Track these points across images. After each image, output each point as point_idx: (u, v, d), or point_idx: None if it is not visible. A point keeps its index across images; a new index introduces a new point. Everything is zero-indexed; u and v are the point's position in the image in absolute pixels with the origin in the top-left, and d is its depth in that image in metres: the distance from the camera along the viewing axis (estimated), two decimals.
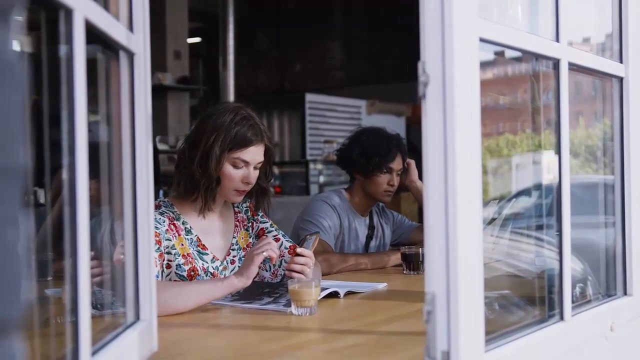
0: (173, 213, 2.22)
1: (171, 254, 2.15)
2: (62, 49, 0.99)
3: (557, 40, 1.50)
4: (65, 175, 0.98)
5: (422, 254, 2.64)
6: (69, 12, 0.97)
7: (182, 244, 2.19)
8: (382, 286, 2.35)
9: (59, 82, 0.99)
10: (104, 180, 1.32)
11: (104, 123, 1.33)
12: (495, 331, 1.32)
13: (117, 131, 1.33)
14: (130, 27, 1.34)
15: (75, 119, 0.98)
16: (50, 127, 1.02)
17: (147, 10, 1.38)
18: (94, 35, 1.09)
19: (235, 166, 2.19)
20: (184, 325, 1.80)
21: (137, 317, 1.35)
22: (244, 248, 2.36)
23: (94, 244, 1.06)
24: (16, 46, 0.61)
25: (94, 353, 1.06)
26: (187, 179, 2.20)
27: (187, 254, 2.19)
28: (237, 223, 2.38)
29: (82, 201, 0.99)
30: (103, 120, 1.33)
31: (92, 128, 1.07)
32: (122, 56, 1.32)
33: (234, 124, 2.16)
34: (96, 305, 1.32)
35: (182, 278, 2.17)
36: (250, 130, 2.18)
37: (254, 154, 2.20)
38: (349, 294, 2.18)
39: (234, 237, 2.35)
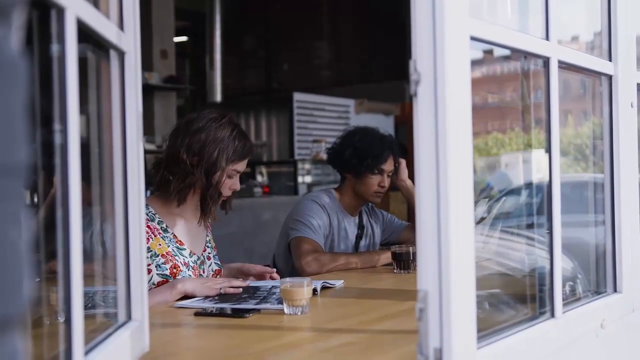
0: (147, 214, 2.24)
1: (148, 257, 2.16)
2: (54, 48, 0.99)
3: (547, 38, 1.51)
4: (57, 175, 0.98)
5: (413, 253, 2.65)
6: (60, 11, 0.97)
7: (160, 244, 2.22)
8: (339, 283, 2.36)
9: (50, 81, 0.98)
10: (94, 180, 1.31)
11: (94, 123, 1.32)
12: (487, 328, 1.32)
13: (107, 131, 1.33)
14: (121, 26, 1.33)
15: (68, 118, 0.98)
16: (41, 127, 1.01)
17: (137, 8, 1.37)
18: (83, 34, 1.08)
19: (230, 176, 2.29)
20: (175, 325, 1.80)
21: (129, 317, 1.34)
22: (214, 247, 2.47)
23: (83, 244, 1.06)
24: (18, 45, 0.61)
25: (86, 353, 1.06)
26: (188, 187, 2.25)
27: (167, 253, 2.22)
28: (208, 224, 2.47)
29: (75, 201, 0.98)
30: (93, 120, 1.32)
31: (81, 128, 1.07)
32: (113, 55, 1.31)
33: (233, 138, 2.27)
34: (86, 305, 1.31)
35: (165, 277, 2.18)
36: (248, 144, 2.31)
37: (245, 164, 2.34)
38: (324, 288, 2.23)
39: (207, 236, 2.45)
